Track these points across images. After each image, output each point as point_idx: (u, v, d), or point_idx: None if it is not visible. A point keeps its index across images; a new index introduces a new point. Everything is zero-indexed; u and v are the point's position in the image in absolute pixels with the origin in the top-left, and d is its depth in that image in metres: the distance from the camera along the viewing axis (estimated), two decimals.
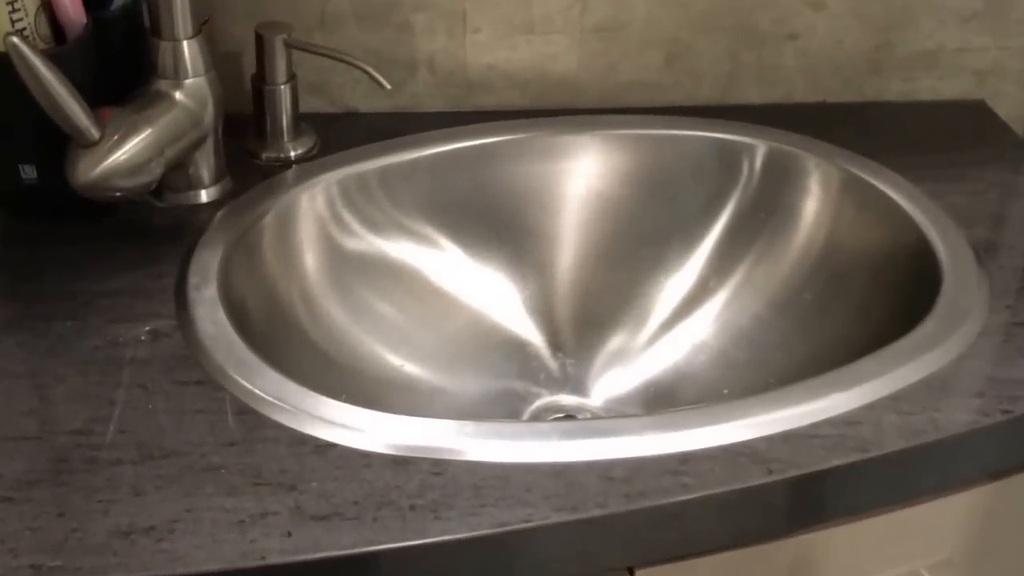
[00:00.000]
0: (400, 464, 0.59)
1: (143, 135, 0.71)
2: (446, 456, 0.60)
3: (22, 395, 0.62)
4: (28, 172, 0.73)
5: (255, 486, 0.57)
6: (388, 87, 0.78)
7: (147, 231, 0.77)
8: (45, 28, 0.72)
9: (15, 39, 0.62)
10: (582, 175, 0.90)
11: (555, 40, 0.91)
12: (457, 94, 0.92)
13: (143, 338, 0.67)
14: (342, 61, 0.80)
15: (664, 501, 0.59)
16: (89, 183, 0.69)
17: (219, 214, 0.78)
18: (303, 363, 0.77)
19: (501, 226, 0.90)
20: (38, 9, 0.71)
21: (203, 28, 0.76)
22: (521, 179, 0.90)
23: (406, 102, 0.92)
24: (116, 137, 0.70)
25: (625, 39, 0.91)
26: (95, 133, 0.68)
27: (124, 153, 0.70)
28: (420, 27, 0.88)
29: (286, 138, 0.85)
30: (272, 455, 0.59)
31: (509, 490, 0.58)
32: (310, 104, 0.87)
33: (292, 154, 0.85)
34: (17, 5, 0.69)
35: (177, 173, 0.77)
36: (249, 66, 0.86)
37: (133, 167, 0.70)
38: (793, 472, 0.61)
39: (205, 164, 0.79)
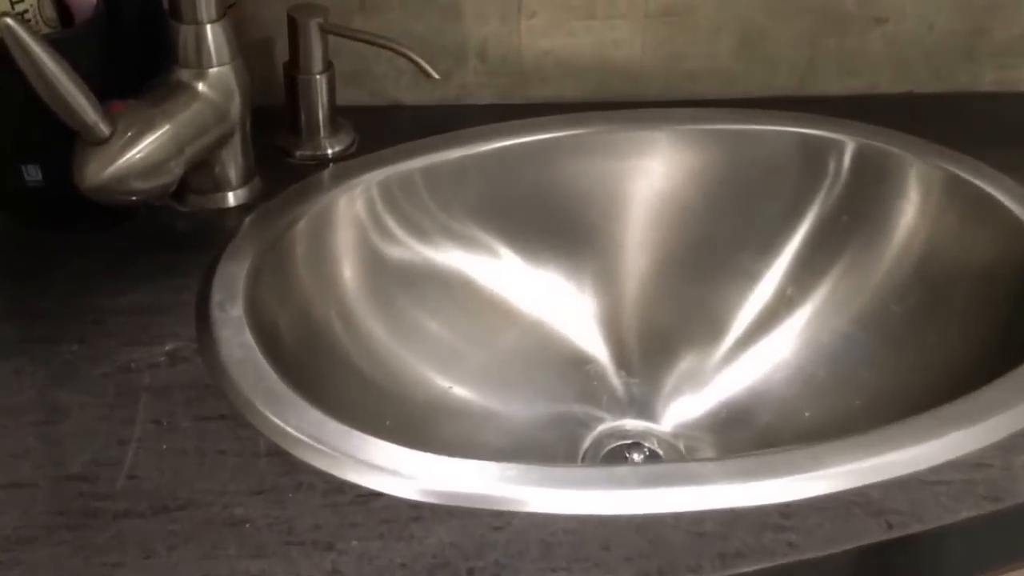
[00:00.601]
0: (456, 517, 0.49)
1: (160, 131, 0.61)
2: (509, 507, 0.50)
3: (18, 433, 0.53)
4: (32, 173, 0.64)
5: (286, 545, 0.48)
6: (436, 77, 0.68)
7: (166, 239, 0.67)
8: (50, 10, 0.62)
9: (9, 21, 0.52)
10: (648, 174, 0.80)
11: (617, 25, 0.80)
12: (509, 84, 0.82)
13: (160, 363, 0.57)
14: (385, 48, 0.69)
15: (768, 564, 0.49)
16: (99, 185, 0.59)
17: (247, 220, 0.68)
18: (340, 388, 0.67)
19: (559, 231, 0.79)
20: None
21: (229, 10, 0.66)
22: (581, 179, 0.79)
23: (454, 93, 0.82)
24: (130, 134, 0.60)
25: (694, 24, 0.81)
26: (105, 129, 0.58)
27: (139, 152, 0.60)
28: (470, 10, 0.78)
29: (322, 134, 0.75)
30: (306, 507, 0.49)
31: (584, 549, 0.49)
32: (348, 96, 0.77)
33: (329, 151, 0.75)
34: None
35: (201, 173, 0.67)
36: (281, 54, 0.76)
37: (149, 167, 0.61)
38: (916, 527, 0.51)
39: (232, 163, 0.69)
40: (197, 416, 0.54)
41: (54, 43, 0.57)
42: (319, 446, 0.52)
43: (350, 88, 0.80)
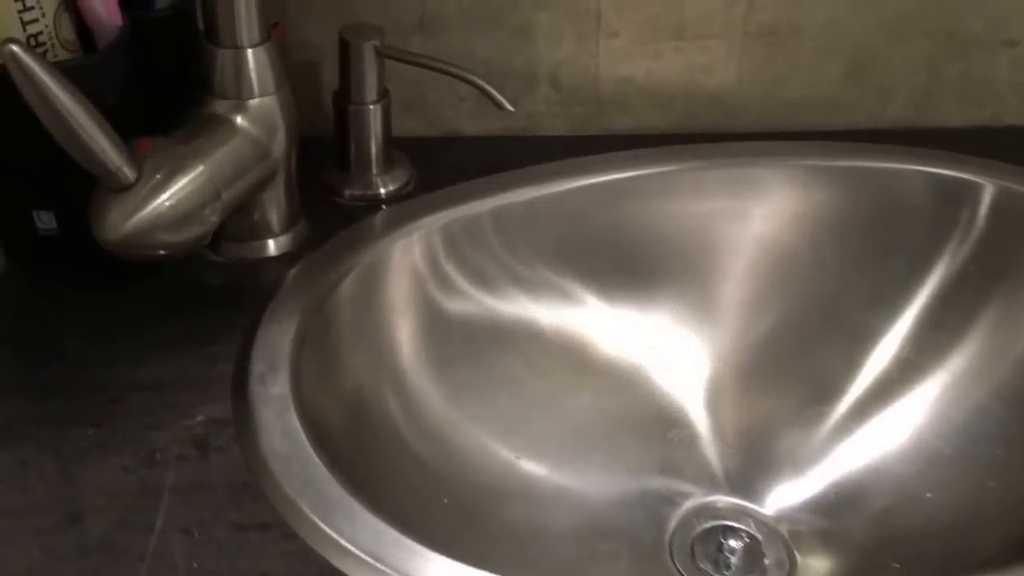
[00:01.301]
0: None
1: (193, 173, 0.53)
2: None
3: (21, 544, 0.44)
4: (45, 220, 0.56)
5: None
6: (511, 109, 0.60)
7: (198, 295, 0.59)
8: (68, 31, 0.54)
9: (14, 48, 0.44)
10: (744, 217, 0.71)
11: (710, 47, 0.71)
12: (585, 114, 0.73)
13: (189, 455, 0.49)
14: (450, 75, 0.61)
15: None
16: (122, 239, 0.51)
17: (292, 273, 0.60)
18: (393, 462, 0.59)
19: (641, 280, 0.71)
20: (59, 7, 0.53)
21: (272, 32, 0.57)
22: (666, 222, 0.71)
23: (522, 123, 0.73)
24: (158, 177, 0.52)
25: (798, 46, 0.72)
26: (129, 174, 0.50)
27: (168, 198, 0.52)
28: (543, 30, 0.70)
29: (375, 171, 0.67)
30: None
31: None
32: (402, 125, 0.68)
33: (382, 191, 0.67)
34: (29, 2, 0.51)
35: (239, 218, 0.59)
36: (329, 79, 0.68)
37: (180, 217, 0.52)
38: None
39: (274, 207, 0.61)
40: (234, 524, 0.45)
41: (72, 72, 0.49)
42: (381, 566, 0.44)
43: (404, 116, 0.71)
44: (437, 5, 0.69)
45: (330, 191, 0.68)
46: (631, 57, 0.72)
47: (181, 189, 0.53)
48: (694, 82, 0.73)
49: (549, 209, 0.69)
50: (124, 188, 0.51)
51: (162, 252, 0.53)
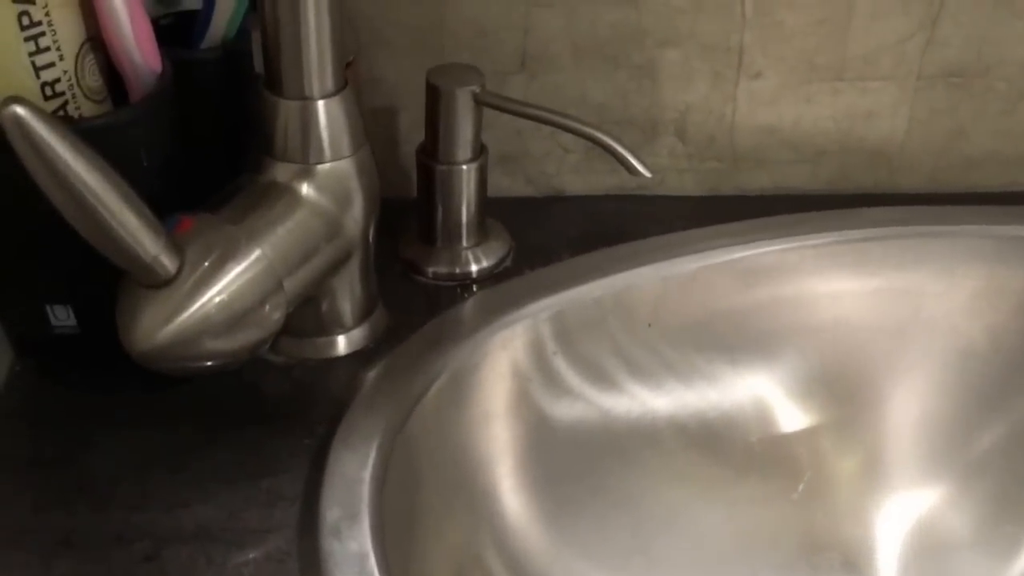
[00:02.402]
0: None
1: (249, 260, 0.43)
2: None
3: None
4: (61, 315, 0.46)
5: None
6: (648, 175, 0.49)
7: (252, 408, 0.48)
8: (94, 77, 0.44)
9: (19, 110, 0.34)
10: (916, 299, 0.59)
11: (875, 90, 0.60)
12: (717, 170, 0.63)
13: None
14: (569, 130, 0.50)
15: None
16: (159, 350, 0.41)
17: (368, 379, 0.49)
18: None
19: (789, 375, 0.60)
20: (82, 48, 0.43)
21: (346, 75, 0.47)
22: (820, 304, 0.60)
23: (639, 181, 0.62)
24: (205, 266, 0.42)
25: (986, 89, 0.61)
26: (169, 265, 0.40)
27: (217, 294, 0.42)
28: (670, 69, 0.59)
29: (465, 243, 0.56)
30: None
31: None
32: (495, 184, 0.58)
33: (474, 268, 0.56)
34: (43, 41, 0.41)
35: (302, 309, 0.49)
36: (407, 129, 0.58)
37: (234, 318, 0.42)
38: None
39: (347, 295, 0.50)
40: None
41: (98, 133, 0.39)
42: None
43: (496, 172, 0.61)
44: (542, 40, 0.58)
45: (410, 267, 0.57)
46: (776, 102, 0.61)
47: (233, 281, 0.42)
48: (852, 133, 0.62)
49: (679, 289, 0.58)
50: (161, 284, 0.40)
51: (209, 364, 0.43)
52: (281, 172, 0.47)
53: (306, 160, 0.46)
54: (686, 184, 0.63)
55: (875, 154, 0.63)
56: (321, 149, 0.46)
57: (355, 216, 0.48)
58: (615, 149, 0.49)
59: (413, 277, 0.57)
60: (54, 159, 0.35)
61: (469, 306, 0.55)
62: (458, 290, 0.56)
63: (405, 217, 0.59)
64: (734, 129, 0.62)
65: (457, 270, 0.57)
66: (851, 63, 0.59)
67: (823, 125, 0.62)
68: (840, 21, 0.58)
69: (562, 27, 0.58)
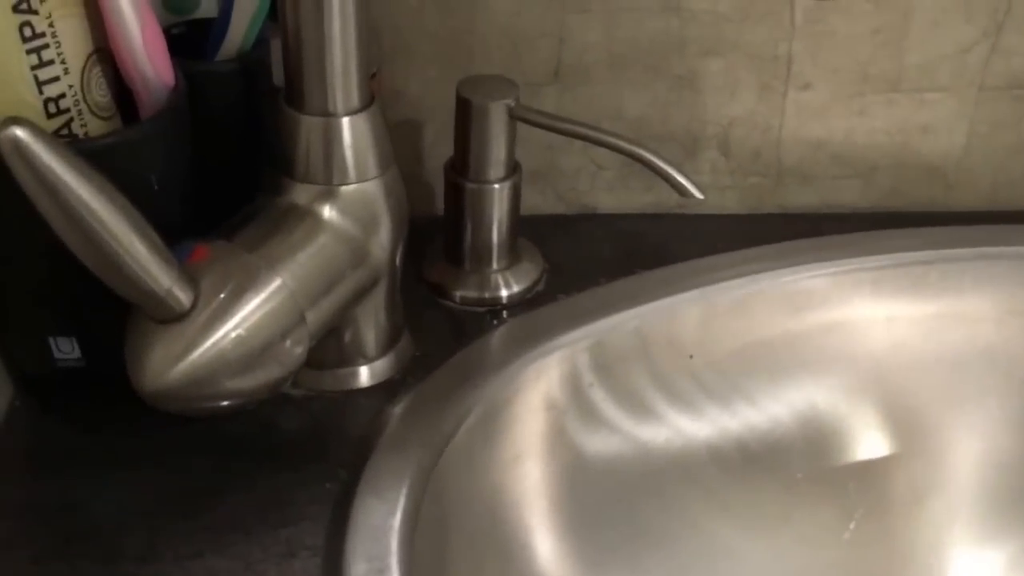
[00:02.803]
0: None
1: (268, 290, 0.40)
2: None
3: None
4: (65, 348, 0.43)
5: None
6: (700, 197, 0.46)
7: (269, 445, 0.46)
8: (102, 92, 0.41)
9: (18, 132, 0.31)
10: (974, 325, 0.56)
11: (933, 102, 0.57)
12: (761, 187, 0.60)
13: None
14: (615, 149, 0.47)
15: None
16: (171, 390, 0.38)
17: (394, 416, 0.47)
18: None
19: (843, 406, 0.57)
20: (89, 61, 0.40)
21: (371, 87, 0.44)
22: (874, 333, 0.56)
23: (677, 199, 0.59)
24: (221, 298, 0.39)
25: None
26: (183, 298, 0.37)
27: (235, 328, 0.39)
28: (714, 81, 0.56)
29: (495, 265, 0.53)
30: None
31: None
32: (526, 201, 0.55)
33: (504, 292, 0.53)
34: (46, 54, 0.39)
35: (323, 340, 0.45)
36: (432, 143, 0.55)
37: (252, 353, 0.39)
38: None
39: (371, 324, 0.48)
40: None
41: (105, 153, 0.36)
42: None
43: (525, 189, 0.58)
44: (577, 49, 0.55)
45: (436, 291, 0.54)
46: (826, 114, 0.58)
47: (252, 314, 0.40)
48: (907, 147, 0.59)
49: (724, 315, 0.55)
50: (174, 319, 0.37)
51: (225, 403, 0.40)
52: (302, 194, 0.44)
53: (329, 181, 0.43)
54: (727, 202, 0.60)
55: (931, 170, 0.60)
56: (345, 169, 0.43)
57: (382, 241, 0.45)
58: (664, 170, 0.46)
59: (439, 301, 0.54)
60: (58, 186, 0.33)
61: (500, 335, 0.52)
62: (487, 316, 0.53)
63: (430, 236, 0.56)
64: (780, 143, 0.59)
65: (486, 295, 0.54)
66: (907, 73, 0.56)
67: (876, 139, 0.59)
68: (897, 29, 0.55)
69: (599, 35, 0.55)
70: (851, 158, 0.59)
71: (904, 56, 0.56)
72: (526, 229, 0.56)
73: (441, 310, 0.54)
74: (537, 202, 0.60)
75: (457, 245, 0.54)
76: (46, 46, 0.39)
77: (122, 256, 0.35)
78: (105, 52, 0.42)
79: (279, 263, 0.41)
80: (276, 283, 0.41)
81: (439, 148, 0.57)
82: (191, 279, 0.38)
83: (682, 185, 0.46)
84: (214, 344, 0.38)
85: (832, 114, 0.58)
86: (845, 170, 0.59)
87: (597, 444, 0.53)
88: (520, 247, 0.55)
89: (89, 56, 0.41)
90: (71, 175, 0.33)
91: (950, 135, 0.58)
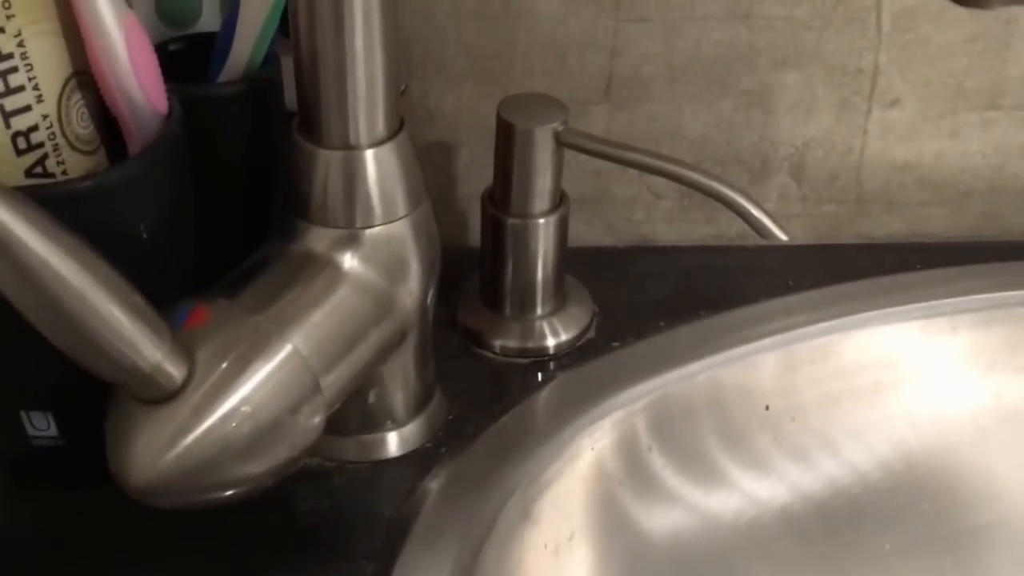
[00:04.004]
0: None
1: (278, 358, 0.34)
2: None
3: None
4: (40, 424, 0.37)
5: None
6: (784, 239, 0.39)
7: (282, 531, 0.39)
8: (84, 124, 0.35)
9: None
10: None
11: None
12: (837, 214, 0.53)
13: None
14: (684, 182, 0.41)
15: None
16: (159, 485, 0.32)
17: (429, 495, 0.40)
18: None
19: (937, 467, 0.50)
20: (67, 86, 0.34)
21: (399, 105, 0.37)
22: (975, 380, 0.49)
23: (741, 229, 0.53)
24: (222, 369, 0.33)
25: None
26: (175, 373, 0.31)
27: (237, 406, 0.32)
28: (788, 97, 0.49)
29: (540, 310, 0.47)
30: None
31: None
32: (573, 233, 0.48)
33: (551, 342, 0.47)
34: (14, 79, 0.32)
35: (344, 404, 0.39)
36: (467, 167, 0.49)
37: (256, 436, 0.33)
38: None
39: (399, 384, 0.41)
40: None
41: (85, 199, 0.30)
42: None
43: (573, 220, 0.51)
44: (632, 62, 0.49)
45: (473, 339, 0.48)
46: (916, 134, 0.51)
47: (258, 389, 0.33)
48: (1005, 170, 0.52)
49: (804, 364, 0.48)
50: (164, 398, 0.31)
51: (229, 493, 0.34)
52: (319, 240, 0.37)
53: (351, 224, 0.37)
54: (798, 230, 0.54)
55: None
56: (370, 209, 0.37)
57: (411, 289, 0.39)
58: (742, 206, 0.39)
59: (476, 351, 0.48)
60: (18, 253, 0.26)
61: (546, 396, 0.45)
62: (531, 369, 0.47)
63: (463, 271, 0.50)
64: (861, 166, 0.52)
65: (530, 344, 0.47)
66: (1009, 87, 0.50)
67: (970, 161, 0.52)
68: (997, 37, 0.48)
69: (657, 46, 0.48)
70: (941, 182, 0.53)
71: (1005, 67, 0.49)
72: (571, 264, 0.50)
73: (478, 361, 0.48)
74: (582, 231, 0.53)
75: (496, 287, 0.47)
76: (14, 69, 0.33)
77: (100, 333, 0.29)
78: (87, 75, 0.36)
79: (290, 325, 0.35)
80: (287, 350, 0.34)
81: (475, 171, 0.51)
82: (185, 349, 0.32)
83: (763, 224, 0.39)
84: (210, 427, 0.32)
85: (922, 134, 0.51)
86: (934, 195, 0.53)
87: (656, 518, 0.47)
88: (569, 287, 0.49)
89: (67, 81, 0.35)
90: (36, 239, 0.27)
91: None
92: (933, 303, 0.49)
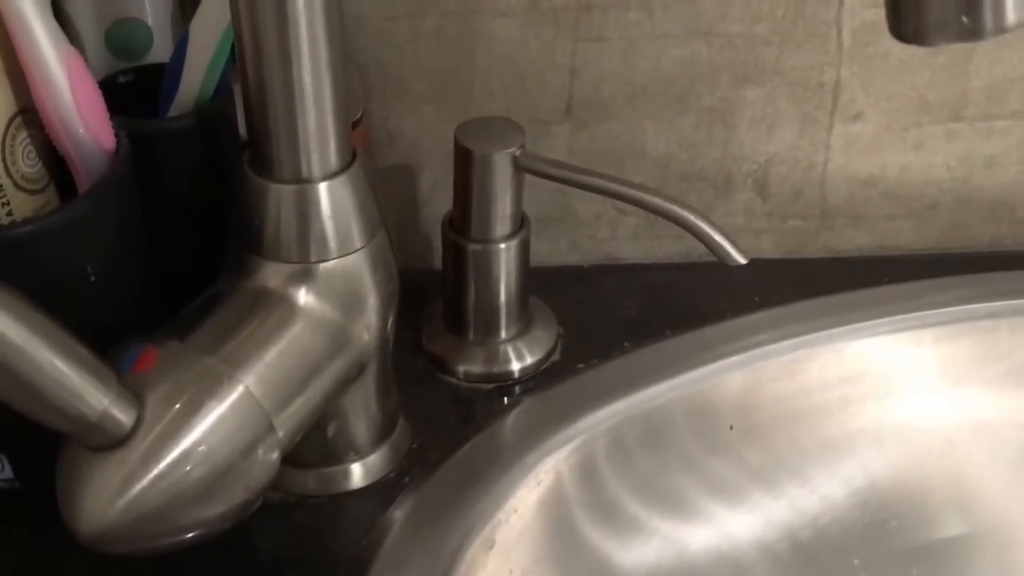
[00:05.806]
0: None
1: (231, 399, 0.34)
2: None
3: None
4: None
5: None
6: (742, 262, 0.39)
7: (239, 571, 0.38)
8: (30, 162, 0.35)
9: None
10: None
11: (1000, 131, 0.51)
12: (802, 229, 0.53)
13: None
14: (643, 205, 0.40)
15: None
16: (109, 533, 0.32)
17: (392, 527, 0.39)
18: None
19: (905, 482, 0.50)
20: (11, 125, 0.33)
21: (353, 138, 0.37)
22: (942, 394, 0.49)
23: None
24: (175, 410, 0.32)
25: None
26: (123, 419, 0.31)
27: (185, 451, 0.32)
28: (750, 112, 0.49)
29: (504, 334, 0.47)
30: None
31: None
32: (537, 251, 0.48)
33: (516, 366, 0.47)
34: None
35: (305, 437, 0.38)
36: (428, 191, 0.48)
37: (209, 479, 0.33)
38: None
39: (360, 416, 0.41)
40: None
41: (22, 245, 0.29)
42: None
43: (538, 237, 0.51)
44: (592, 82, 0.48)
45: (436, 364, 0.48)
46: (879, 147, 0.51)
47: (209, 433, 0.33)
48: (969, 181, 0.52)
49: (768, 383, 0.48)
50: (111, 445, 0.31)
51: (182, 538, 0.33)
52: (273, 275, 0.37)
53: (305, 258, 0.37)
54: (763, 246, 0.53)
55: (996, 205, 0.53)
56: (324, 243, 0.37)
57: (368, 322, 0.39)
58: (704, 231, 0.39)
59: (440, 377, 0.48)
60: None
61: (512, 422, 0.45)
62: (496, 394, 0.46)
63: (428, 294, 0.49)
64: (825, 181, 0.52)
65: (495, 369, 0.47)
66: (973, 99, 0.50)
67: (935, 174, 0.52)
68: (960, 50, 0.48)
69: (616, 65, 0.48)
70: (906, 195, 0.52)
71: (969, 79, 0.49)
72: (536, 284, 0.49)
73: (442, 387, 0.47)
74: (546, 250, 0.53)
75: (459, 312, 0.47)
76: None
77: (40, 382, 0.28)
78: (34, 113, 0.35)
79: (242, 365, 0.34)
80: (238, 391, 0.34)
81: (438, 193, 0.50)
82: (133, 394, 0.31)
83: (722, 248, 0.39)
84: (161, 473, 0.32)
85: (885, 147, 0.51)
86: (899, 208, 0.53)
87: (622, 544, 0.46)
88: (532, 309, 0.48)
89: (12, 119, 0.35)
90: None
91: (1020, 167, 0.51)
92: (899, 317, 0.49)
